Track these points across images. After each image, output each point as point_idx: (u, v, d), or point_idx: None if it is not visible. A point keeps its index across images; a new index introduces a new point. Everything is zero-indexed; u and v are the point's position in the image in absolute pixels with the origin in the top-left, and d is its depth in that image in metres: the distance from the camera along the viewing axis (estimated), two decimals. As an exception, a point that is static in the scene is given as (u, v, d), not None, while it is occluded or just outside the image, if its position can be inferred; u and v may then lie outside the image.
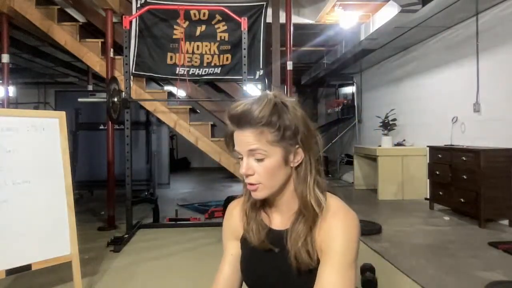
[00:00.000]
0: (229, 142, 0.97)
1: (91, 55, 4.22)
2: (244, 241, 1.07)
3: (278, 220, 1.03)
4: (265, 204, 1.05)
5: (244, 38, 3.74)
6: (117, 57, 4.15)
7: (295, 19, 4.98)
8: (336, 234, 0.92)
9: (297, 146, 0.93)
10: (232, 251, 1.11)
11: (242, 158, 0.95)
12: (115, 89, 3.59)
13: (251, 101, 0.93)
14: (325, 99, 10.54)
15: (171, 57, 4.20)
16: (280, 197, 1.00)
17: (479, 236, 3.59)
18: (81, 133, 5.66)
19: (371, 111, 7.52)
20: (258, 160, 0.93)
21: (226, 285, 1.09)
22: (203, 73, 4.23)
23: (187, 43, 4.14)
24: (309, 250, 0.94)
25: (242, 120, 0.91)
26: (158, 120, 4.89)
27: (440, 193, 4.55)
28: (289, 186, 0.98)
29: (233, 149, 0.96)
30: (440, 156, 4.56)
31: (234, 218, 1.10)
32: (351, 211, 0.97)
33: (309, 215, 0.95)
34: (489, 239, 3.41)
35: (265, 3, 4.20)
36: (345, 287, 0.91)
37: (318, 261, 0.95)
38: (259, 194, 0.97)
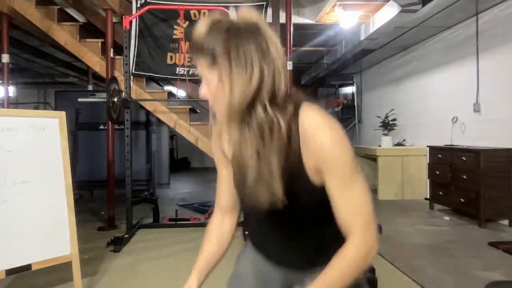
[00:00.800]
0: None
1: (91, 55, 4.22)
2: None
3: None
4: None
5: (244, 38, 3.73)
6: (117, 57, 4.15)
7: (295, 19, 4.98)
8: (328, 150, 0.89)
9: (234, 68, 0.86)
10: (224, 171, 1.11)
11: None
12: (115, 89, 3.59)
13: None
14: (325, 99, 10.53)
15: (171, 57, 4.20)
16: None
17: (479, 236, 3.59)
18: (81, 133, 5.66)
19: (371, 111, 7.52)
20: (207, 84, 0.92)
21: (226, 202, 1.14)
22: (203, 73, 4.23)
23: (187, 43, 4.14)
24: (301, 177, 0.93)
25: (193, 48, 0.92)
26: (158, 120, 4.89)
27: (440, 193, 4.55)
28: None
29: None
30: (440, 156, 4.56)
31: (222, 140, 1.07)
32: (333, 120, 0.92)
33: (272, 142, 0.89)
34: (489, 239, 3.41)
35: (265, 3, 4.20)
36: (360, 197, 0.92)
37: (308, 184, 0.93)
38: (217, 116, 0.96)
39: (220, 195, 1.15)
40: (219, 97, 0.91)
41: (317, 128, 0.90)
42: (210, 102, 0.95)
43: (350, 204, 0.91)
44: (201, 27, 0.90)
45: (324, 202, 0.93)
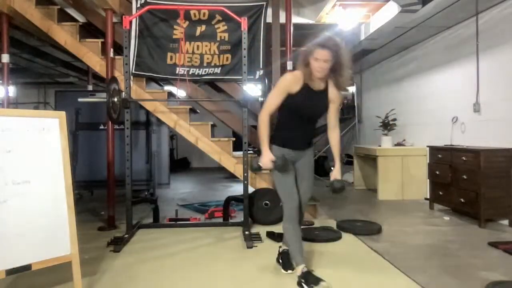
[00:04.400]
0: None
1: (91, 55, 4.22)
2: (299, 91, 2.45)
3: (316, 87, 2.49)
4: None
5: (244, 38, 3.74)
6: (117, 57, 4.15)
7: (295, 19, 4.98)
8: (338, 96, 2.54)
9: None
10: (280, 99, 2.47)
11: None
12: (115, 89, 3.59)
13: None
14: (325, 99, 10.52)
15: (171, 57, 4.20)
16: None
17: (479, 236, 3.59)
18: (81, 133, 5.66)
19: (371, 111, 7.52)
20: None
21: (273, 111, 2.50)
22: (203, 73, 4.23)
23: (187, 43, 4.14)
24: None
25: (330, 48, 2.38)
26: (158, 120, 4.89)
27: (440, 193, 4.55)
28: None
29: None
30: (440, 156, 4.56)
31: (294, 87, 2.44)
32: None
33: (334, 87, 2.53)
34: (489, 239, 3.41)
35: (265, 3, 4.20)
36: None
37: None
38: (317, 76, 2.41)
39: (273, 108, 2.48)
40: (327, 70, 2.38)
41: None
42: (321, 72, 2.38)
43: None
44: (332, 39, 2.42)
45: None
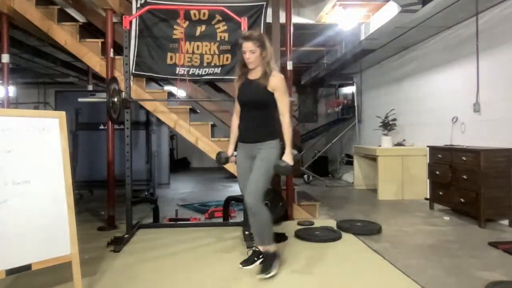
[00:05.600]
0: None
1: (91, 55, 4.22)
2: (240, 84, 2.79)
3: (252, 76, 2.73)
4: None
5: (244, 38, 3.73)
6: (117, 57, 4.15)
7: (295, 19, 4.98)
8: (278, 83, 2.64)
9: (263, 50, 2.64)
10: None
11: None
12: (115, 89, 3.59)
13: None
14: (325, 99, 10.53)
15: (171, 57, 4.20)
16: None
17: (479, 236, 3.59)
18: (81, 133, 5.67)
19: (371, 111, 7.52)
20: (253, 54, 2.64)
21: (238, 111, 2.84)
22: (203, 73, 4.23)
23: (187, 43, 4.14)
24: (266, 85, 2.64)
25: (251, 38, 2.65)
26: (158, 120, 4.89)
27: (440, 193, 4.55)
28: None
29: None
30: (440, 156, 4.56)
31: (240, 78, 2.80)
32: (283, 79, 2.68)
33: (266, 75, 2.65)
34: (489, 239, 3.41)
35: (265, 3, 4.20)
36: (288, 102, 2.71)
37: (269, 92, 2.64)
38: (250, 66, 2.68)
39: (237, 108, 2.84)
40: (257, 59, 2.64)
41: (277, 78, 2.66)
42: (252, 63, 2.65)
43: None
44: (255, 32, 2.76)
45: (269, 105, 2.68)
